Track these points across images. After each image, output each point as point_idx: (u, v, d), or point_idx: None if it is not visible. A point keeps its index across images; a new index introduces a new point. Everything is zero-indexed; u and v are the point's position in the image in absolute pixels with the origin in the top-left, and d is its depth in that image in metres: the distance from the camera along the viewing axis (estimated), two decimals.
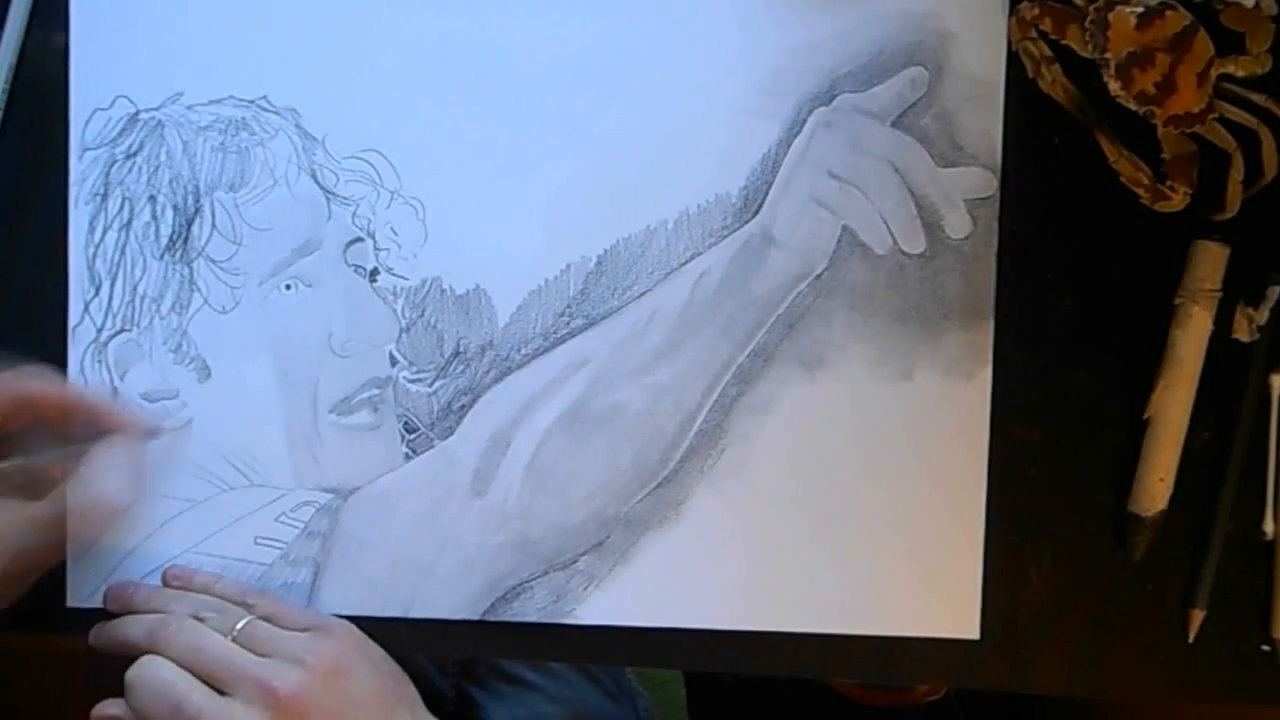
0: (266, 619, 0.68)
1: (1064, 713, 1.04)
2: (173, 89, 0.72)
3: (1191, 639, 0.73)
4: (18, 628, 0.70)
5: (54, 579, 0.71)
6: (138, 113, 0.72)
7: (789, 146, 0.71)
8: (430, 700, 0.70)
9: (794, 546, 0.72)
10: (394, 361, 0.72)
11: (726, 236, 0.72)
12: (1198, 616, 0.72)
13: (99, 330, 0.72)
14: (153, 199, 0.72)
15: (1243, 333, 0.72)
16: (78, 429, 0.68)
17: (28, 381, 0.68)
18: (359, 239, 0.72)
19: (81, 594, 0.72)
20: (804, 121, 0.71)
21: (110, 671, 0.66)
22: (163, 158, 0.72)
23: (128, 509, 0.68)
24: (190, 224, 0.72)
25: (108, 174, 0.72)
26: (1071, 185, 0.72)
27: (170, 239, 0.72)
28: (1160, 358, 0.72)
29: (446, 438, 0.72)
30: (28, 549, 0.66)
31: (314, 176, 0.72)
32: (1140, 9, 0.68)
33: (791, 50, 0.71)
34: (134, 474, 0.68)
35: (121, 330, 0.72)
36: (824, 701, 1.08)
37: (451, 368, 0.72)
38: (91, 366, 0.72)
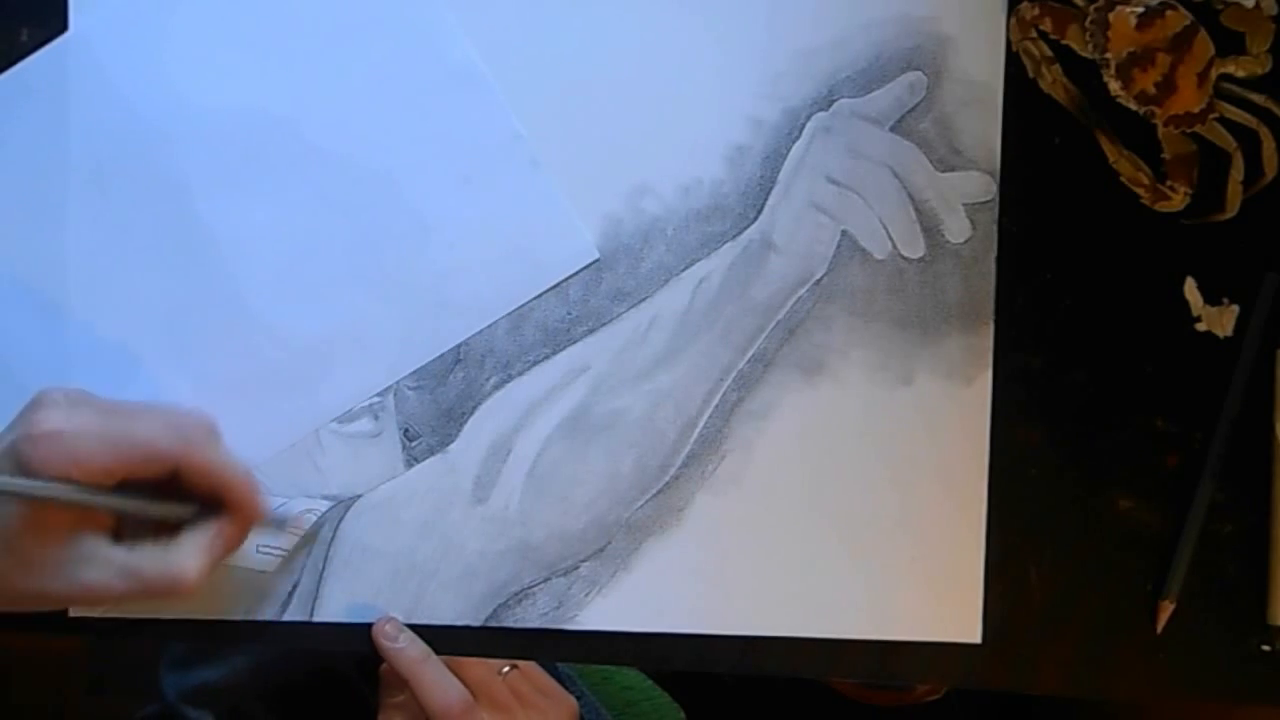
0: None
1: (1064, 713, 1.05)
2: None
3: (1159, 629, 0.73)
4: (18, 628, 0.70)
5: None
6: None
7: (788, 152, 0.71)
8: None
9: (795, 552, 0.72)
10: None
11: (726, 242, 0.72)
12: (1167, 609, 0.73)
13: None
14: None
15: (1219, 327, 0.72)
16: (202, 489, 0.64)
17: (190, 449, 0.63)
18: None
19: None
20: (803, 127, 0.71)
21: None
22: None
23: (190, 590, 0.63)
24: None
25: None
26: (1071, 185, 0.72)
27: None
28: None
29: (447, 445, 0.72)
30: (88, 588, 0.62)
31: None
32: (1140, 9, 0.68)
33: (790, 55, 0.71)
34: (216, 558, 0.64)
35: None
36: (824, 701, 1.09)
37: (452, 375, 0.72)
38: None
